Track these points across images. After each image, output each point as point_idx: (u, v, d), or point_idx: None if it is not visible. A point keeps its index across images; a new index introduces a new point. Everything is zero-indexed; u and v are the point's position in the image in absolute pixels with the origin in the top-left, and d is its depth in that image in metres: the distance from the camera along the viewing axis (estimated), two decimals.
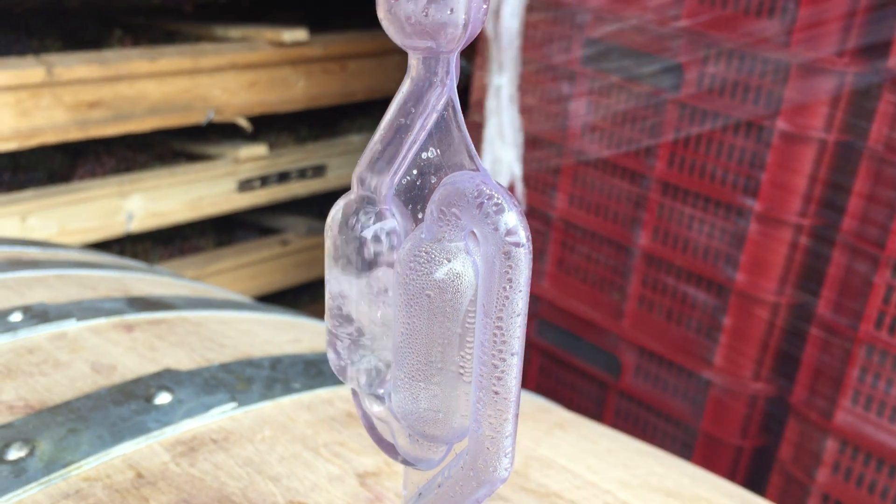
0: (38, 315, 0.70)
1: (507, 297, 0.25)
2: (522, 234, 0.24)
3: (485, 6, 0.24)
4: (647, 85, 1.32)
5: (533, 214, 1.55)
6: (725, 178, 1.27)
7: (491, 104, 1.51)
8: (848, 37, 1.13)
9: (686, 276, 1.36)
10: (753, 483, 1.37)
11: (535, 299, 1.58)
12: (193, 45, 2.04)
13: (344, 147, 2.36)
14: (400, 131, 0.26)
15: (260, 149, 2.13)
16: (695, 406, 1.39)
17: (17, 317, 0.70)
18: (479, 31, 0.24)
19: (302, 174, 2.27)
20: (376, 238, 0.28)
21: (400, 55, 2.45)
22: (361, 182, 0.28)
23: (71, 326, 0.70)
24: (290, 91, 2.17)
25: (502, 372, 0.26)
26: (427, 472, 0.31)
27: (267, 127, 2.29)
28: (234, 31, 2.15)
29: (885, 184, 1.12)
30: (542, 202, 1.53)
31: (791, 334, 1.27)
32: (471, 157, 0.25)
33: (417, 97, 0.25)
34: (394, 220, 0.28)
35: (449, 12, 0.23)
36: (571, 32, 1.41)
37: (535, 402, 0.75)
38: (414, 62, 0.25)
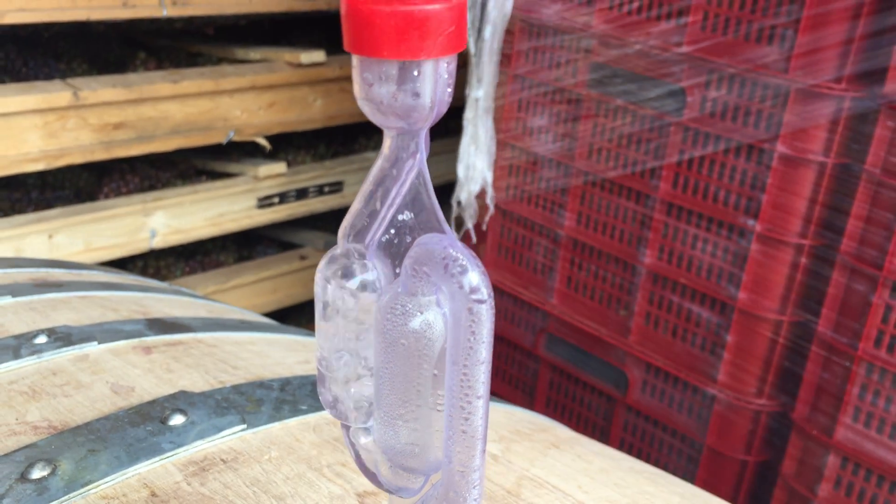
0: (62, 338, 0.74)
1: (471, 348, 0.27)
2: (484, 292, 0.27)
3: (449, 89, 0.26)
4: (650, 108, 1.35)
5: (542, 233, 1.57)
6: (727, 200, 1.29)
7: (468, 114, 1.55)
8: (845, 63, 1.14)
9: (690, 294, 1.37)
10: (757, 497, 1.39)
11: (543, 315, 1.61)
12: (214, 67, 2.08)
13: (360, 164, 2.39)
14: (378, 196, 0.29)
15: (279, 166, 2.17)
16: (700, 421, 1.41)
17: (42, 339, 0.73)
18: (445, 110, 0.27)
19: (320, 191, 2.31)
20: (361, 287, 0.31)
21: None
22: (347, 238, 0.30)
23: (93, 349, 0.73)
24: (308, 110, 2.21)
25: (469, 413, 0.28)
26: (408, 499, 0.33)
27: (286, 145, 2.33)
28: (254, 53, 2.20)
29: (882, 206, 1.14)
30: (550, 221, 1.56)
31: (793, 352, 1.29)
32: (439, 221, 0.28)
33: (393, 167, 0.28)
34: (376, 271, 0.31)
35: (415, 97, 0.26)
36: (578, 56, 1.43)
37: (535, 422, 0.77)
38: (388, 139, 0.27)
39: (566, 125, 1.48)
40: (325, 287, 0.31)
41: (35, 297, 0.89)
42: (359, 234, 0.30)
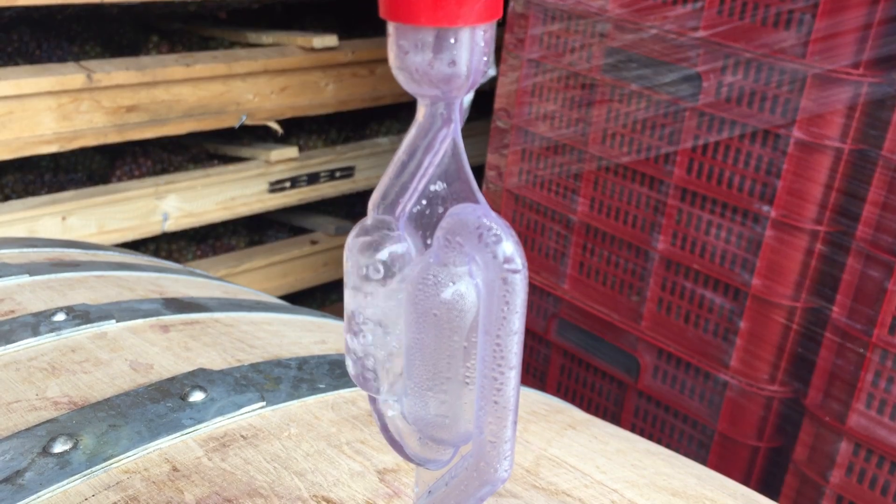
0: (81, 315, 0.74)
1: (504, 318, 0.27)
2: (519, 262, 0.27)
3: (485, 58, 0.26)
4: (665, 93, 1.34)
5: (554, 218, 1.57)
6: (742, 185, 1.29)
7: None
8: (863, 48, 1.14)
9: (703, 279, 1.37)
10: (768, 483, 1.39)
11: (555, 300, 1.60)
12: (227, 50, 2.08)
13: (372, 149, 2.39)
14: (410, 166, 0.29)
15: (291, 151, 2.17)
16: (711, 407, 1.41)
17: (60, 317, 0.74)
18: (481, 80, 0.27)
19: (331, 175, 2.31)
20: (391, 258, 0.31)
21: None
22: (377, 209, 0.30)
23: (111, 327, 0.73)
24: (320, 95, 2.20)
25: (501, 384, 0.28)
26: (436, 471, 0.33)
27: (297, 130, 2.33)
28: (267, 37, 2.19)
29: None
30: (563, 206, 1.55)
31: (806, 338, 1.28)
32: (472, 192, 0.28)
33: (426, 137, 0.28)
34: (406, 243, 0.31)
35: (452, 66, 0.26)
36: (593, 41, 1.42)
37: (550, 404, 0.77)
38: (422, 107, 0.27)
39: (580, 110, 1.48)
40: (356, 258, 0.31)
41: (52, 276, 0.89)
42: (390, 205, 0.29)
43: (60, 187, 1.92)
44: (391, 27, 0.26)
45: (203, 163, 2.17)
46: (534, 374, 1.69)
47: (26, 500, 0.50)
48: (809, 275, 1.26)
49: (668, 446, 1.50)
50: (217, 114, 2.00)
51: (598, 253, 1.52)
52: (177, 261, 2.18)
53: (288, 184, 2.20)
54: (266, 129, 2.17)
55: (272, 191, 2.17)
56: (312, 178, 2.26)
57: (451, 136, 0.28)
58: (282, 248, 2.31)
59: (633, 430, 1.54)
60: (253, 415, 0.59)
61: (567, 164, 1.51)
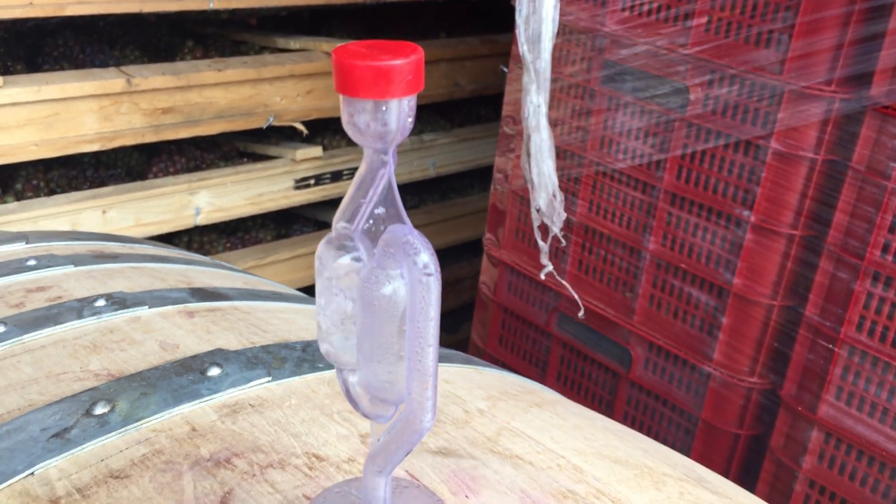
0: (118, 302, 0.84)
1: (422, 309, 0.37)
2: (432, 268, 0.36)
3: (410, 119, 0.36)
4: (657, 105, 1.42)
5: None
6: (726, 191, 1.37)
7: (531, 122, 1.58)
8: (835, 66, 1.21)
9: (690, 278, 1.45)
10: (748, 468, 1.47)
11: (556, 295, 1.69)
12: (256, 56, 2.19)
13: None
14: (360, 194, 0.38)
15: (315, 150, 2.28)
16: (696, 397, 1.49)
17: (101, 303, 0.84)
18: (408, 133, 0.36)
19: (353, 174, 2.41)
20: (349, 262, 0.40)
21: (446, 63, 2.57)
22: (339, 226, 0.40)
23: (144, 312, 0.84)
24: None
25: (422, 357, 0.38)
26: (384, 424, 0.43)
27: (322, 130, 2.44)
28: (294, 42, 2.30)
29: (865, 201, 1.21)
30: (563, 207, 1.64)
31: (782, 334, 1.36)
32: (401, 216, 0.37)
33: (370, 174, 0.37)
34: (361, 251, 0.40)
35: (384, 126, 0.35)
36: (592, 55, 1.51)
37: (524, 386, 0.87)
38: (366, 154, 0.37)
39: (580, 118, 1.57)
40: (323, 262, 0.41)
41: (94, 267, 1.00)
42: (347, 222, 0.39)
43: (101, 183, 2.04)
44: (342, 98, 0.36)
45: (233, 160, 2.28)
46: (535, 364, 1.79)
47: (72, 451, 0.60)
48: (786, 276, 1.34)
49: (657, 433, 1.59)
50: (246, 115, 2.11)
51: (595, 252, 1.60)
52: (207, 252, 2.30)
53: (312, 181, 2.31)
54: (292, 129, 2.27)
55: (297, 187, 2.28)
56: (335, 176, 2.37)
57: (387, 174, 0.37)
58: (306, 241, 2.41)
59: (625, 417, 1.62)
60: (260, 388, 0.69)
61: (567, 168, 1.60)
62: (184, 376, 0.69)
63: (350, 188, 0.39)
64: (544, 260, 1.45)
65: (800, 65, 1.23)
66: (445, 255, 2.81)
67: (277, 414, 0.65)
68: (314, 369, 0.73)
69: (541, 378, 1.76)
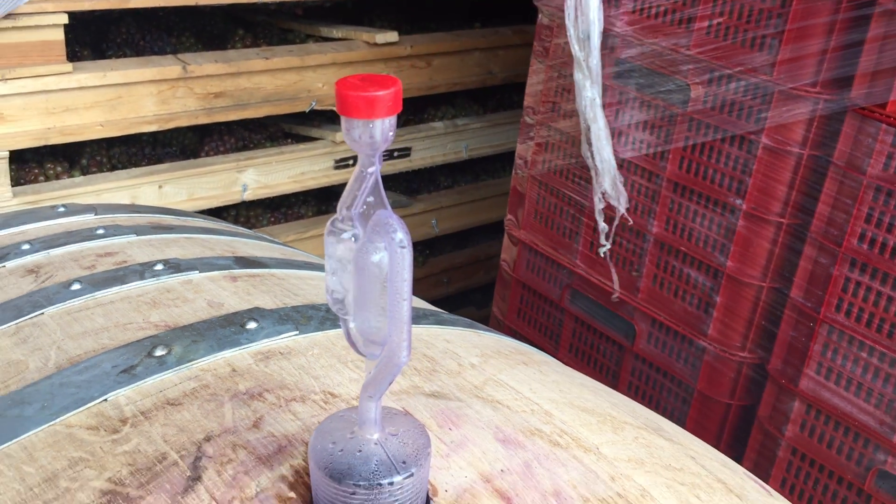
0: (174, 266, 0.98)
1: (398, 272, 0.49)
2: (406, 242, 0.49)
3: (391, 133, 0.48)
4: (661, 100, 1.52)
5: (570, 202, 1.77)
6: (722, 181, 1.47)
7: (588, 114, 1.61)
8: (820, 70, 1.30)
9: (689, 260, 1.56)
10: (738, 436, 1.58)
11: (569, 273, 1.81)
12: (301, 45, 2.32)
13: (427, 132, 2.60)
14: (356, 187, 0.51)
15: None
16: (693, 369, 1.60)
17: (159, 267, 0.98)
18: (391, 142, 0.48)
19: (390, 155, 2.53)
20: (349, 238, 0.53)
21: (480, 52, 2.68)
22: (341, 210, 0.52)
23: (195, 276, 0.97)
24: None
25: (397, 309, 0.50)
26: (374, 360, 0.56)
27: None
28: (337, 31, 2.42)
29: (844, 193, 1.30)
30: (577, 192, 1.75)
31: (770, 313, 1.46)
32: (384, 203, 0.50)
33: (363, 172, 0.50)
34: (357, 230, 0.53)
35: (371, 138, 0.47)
36: (604, 52, 1.61)
37: (517, 348, 0.99)
38: (360, 157, 0.49)
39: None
40: (330, 239, 0.53)
41: (153, 237, 1.14)
42: (347, 208, 0.52)
43: (158, 160, 2.19)
44: (342, 118, 0.48)
45: (278, 141, 2.41)
46: (549, 336, 1.91)
47: (137, 384, 0.74)
48: (774, 260, 1.44)
49: (657, 402, 1.70)
50: (291, 100, 2.24)
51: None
52: (253, 226, 2.44)
53: (351, 161, 2.44)
54: (333, 112, 2.40)
55: (337, 167, 2.41)
56: None
57: (375, 173, 0.49)
58: None
59: (629, 387, 1.74)
60: (289, 339, 0.82)
61: (580, 156, 1.71)
62: (227, 328, 0.82)
63: (349, 182, 0.51)
64: (603, 240, 1.55)
65: (789, 67, 1.33)
66: (476, 234, 2.93)
67: (302, 360, 0.78)
68: (335, 327, 0.86)
69: (554, 350, 1.88)
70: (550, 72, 1.73)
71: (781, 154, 1.37)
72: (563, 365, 0.99)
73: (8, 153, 1.78)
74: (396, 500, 0.54)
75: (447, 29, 2.63)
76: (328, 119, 2.48)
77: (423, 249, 2.79)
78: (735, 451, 1.56)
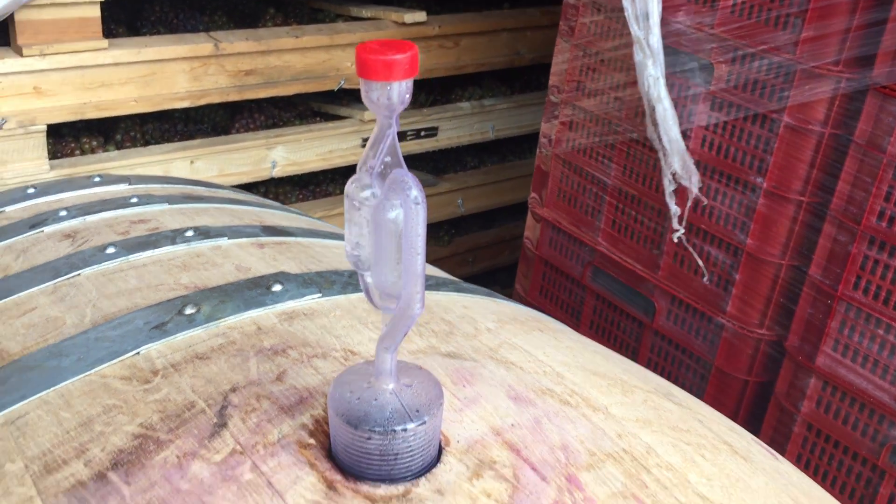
0: (203, 233, 1.02)
1: (413, 227, 0.51)
2: (421, 199, 0.51)
3: (407, 95, 0.50)
4: (685, 79, 1.53)
5: (593, 181, 1.79)
6: (743, 160, 1.48)
7: (653, 93, 1.55)
8: (843, 49, 1.31)
9: (710, 238, 1.57)
10: (755, 412, 1.59)
11: (591, 251, 1.82)
12: (330, 24, 2.34)
13: (454, 112, 2.62)
14: (375, 147, 0.53)
15: None
16: (711, 346, 1.61)
17: (190, 233, 1.01)
18: (407, 104, 0.51)
19: (417, 134, 2.56)
20: (368, 196, 0.55)
21: (508, 33, 2.68)
22: (360, 171, 0.55)
23: (224, 242, 1.01)
24: None
25: (412, 262, 0.52)
26: (390, 314, 0.58)
27: None
28: (366, 11, 2.44)
29: (864, 172, 1.31)
30: (600, 171, 1.76)
31: (788, 291, 1.47)
32: (401, 163, 0.52)
33: (381, 132, 0.52)
34: (376, 188, 0.55)
35: (389, 100, 0.50)
36: (629, 31, 1.62)
37: (535, 316, 1.01)
38: (378, 119, 0.52)
39: (617, 89, 1.68)
40: (350, 198, 0.56)
41: (184, 206, 1.18)
42: (368, 168, 0.54)
43: (190, 136, 2.24)
44: (362, 80, 0.50)
45: (307, 119, 2.45)
46: (570, 313, 1.93)
47: (168, 339, 0.77)
48: (793, 238, 1.44)
49: (676, 378, 1.71)
50: (320, 78, 2.27)
51: (626, 212, 1.73)
52: (282, 202, 2.48)
53: None
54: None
55: (364, 146, 2.44)
56: (400, 137, 2.50)
57: (392, 134, 0.52)
58: None
59: (648, 363, 1.75)
60: (312, 301, 0.85)
61: (604, 135, 1.72)
62: (253, 290, 0.85)
63: (368, 143, 0.54)
64: (676, 224, 1.55)
65: (811, 46, 1.33)
66: (501, 214, 2.95)
67: (324, 321, 0.81)
68: (357, 291, 0.89)
69: (575, 326, 1.90)
70: (576, 51, 1.74)
71: (803, 133, 1.38)
72: (579, 334, 1.01)
73: (45, 127, 1.82)
74: (409, 446, 0.57)
75: (476, 9, 2.65)
76: (356, 98, 2.50)
77: (449, 229, 2.81)
78: (751, 426, 1.58)
